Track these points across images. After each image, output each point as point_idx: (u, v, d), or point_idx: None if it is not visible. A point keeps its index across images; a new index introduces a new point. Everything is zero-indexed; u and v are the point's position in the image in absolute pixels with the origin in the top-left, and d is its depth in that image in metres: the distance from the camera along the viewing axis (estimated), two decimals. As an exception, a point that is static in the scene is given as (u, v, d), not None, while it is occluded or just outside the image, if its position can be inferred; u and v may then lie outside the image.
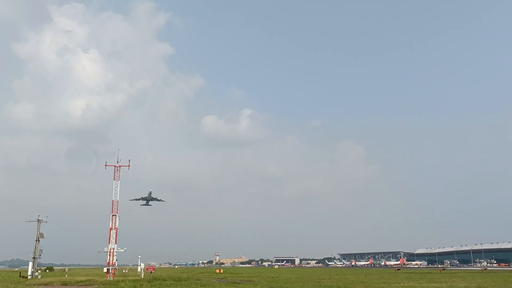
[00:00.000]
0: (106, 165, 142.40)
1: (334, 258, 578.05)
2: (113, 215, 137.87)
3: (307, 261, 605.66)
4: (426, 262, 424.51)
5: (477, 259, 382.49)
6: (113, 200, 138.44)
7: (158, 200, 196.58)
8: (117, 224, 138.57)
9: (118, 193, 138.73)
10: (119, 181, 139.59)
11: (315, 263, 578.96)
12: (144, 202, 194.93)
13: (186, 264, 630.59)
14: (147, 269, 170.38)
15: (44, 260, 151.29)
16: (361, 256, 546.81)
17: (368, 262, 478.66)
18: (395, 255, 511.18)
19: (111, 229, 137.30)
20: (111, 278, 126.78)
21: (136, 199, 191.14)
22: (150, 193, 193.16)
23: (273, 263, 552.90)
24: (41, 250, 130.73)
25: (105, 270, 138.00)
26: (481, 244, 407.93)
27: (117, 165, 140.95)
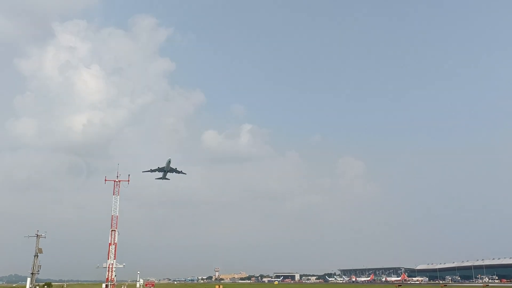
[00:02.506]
0: (105, 180, 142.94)
1: (335, 274, 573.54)
2: (112, 230, 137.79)
3: (307, 277, 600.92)
4: (427, 278, 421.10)
5: (479, 275, 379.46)
6: (112, 215, 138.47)
7: (179, 172, 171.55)
8: (116, 239, 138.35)
9: (118, 208, 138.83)
10: (118, 196, 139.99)
11: (315, 279, 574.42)
12: (161, 174, 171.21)
13: (185, 280, 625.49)
14: (146, 285, 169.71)
15: (43, 275, 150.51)
16: (362, 272, 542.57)
17: (368, 278, 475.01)
18: (396, 271, 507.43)
19: (110, 244, 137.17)
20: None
21: (151, 170, 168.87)
22: (169, 162, 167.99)
23: (273, 279, 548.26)
24: (39, 266, 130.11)
25: (103, 286, 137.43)
26: (483, 260, 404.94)
27: (117, 180, 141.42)
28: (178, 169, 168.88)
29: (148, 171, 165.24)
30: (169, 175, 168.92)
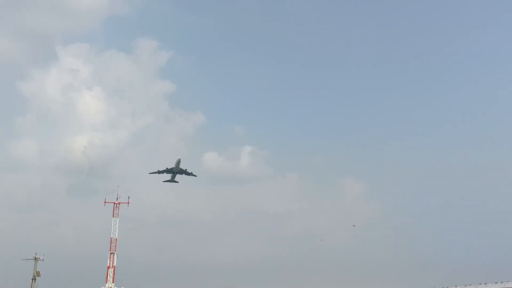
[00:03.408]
0: (105, 202, 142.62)
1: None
2: (111, 253, 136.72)
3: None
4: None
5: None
6: (111, 238, 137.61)
7: (189, 174, 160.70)
8: (115, 262, 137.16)
9: (117, 231, 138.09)
10: (118, 218, 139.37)
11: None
12: (169, 176, 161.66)
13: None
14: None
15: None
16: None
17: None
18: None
19: (108, 267, 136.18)
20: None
21: (159, 172, 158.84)
22: (179, 162, 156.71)
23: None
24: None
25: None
26: (485, 284, 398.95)
27: (117, 202, 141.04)
28: (189, 170, 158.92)
29: (156, 172, 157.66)
30: (178, 177, 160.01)
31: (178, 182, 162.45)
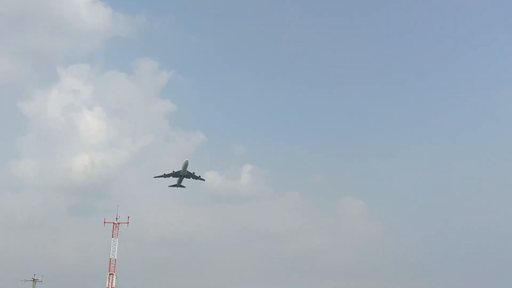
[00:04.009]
0: (104, 222, 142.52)
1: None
2: (110, 274, 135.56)
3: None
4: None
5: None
6: (110, 258, 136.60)
7: (196, 178, 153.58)
8: (114, 283, 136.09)
9: (116, 251, 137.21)
10: (117, 239, 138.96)
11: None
12: (176, 180, 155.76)
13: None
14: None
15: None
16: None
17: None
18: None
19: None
20: None
21: (165, 175, 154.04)
22: (186, 164, 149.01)
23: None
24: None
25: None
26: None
27: (116, 222, 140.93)
28: (196, 174, 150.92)
29: (161, 176, 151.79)
30: (185, 181, 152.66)
31: (185, 187, 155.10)
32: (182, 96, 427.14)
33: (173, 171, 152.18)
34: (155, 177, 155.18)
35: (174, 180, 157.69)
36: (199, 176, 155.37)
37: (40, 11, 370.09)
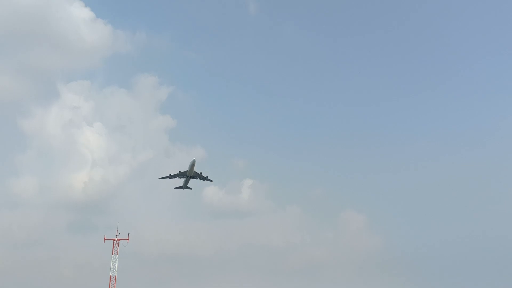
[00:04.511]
0: (104, 239, 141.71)
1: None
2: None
3: None
4: None
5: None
6: (110, 276, 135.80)
7: (204, 179, 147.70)
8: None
9: (116, 268, 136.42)
10: (117, 256, 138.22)
11: None
12: (183, 180, 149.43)
13: None
14: None
15: None
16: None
17: None
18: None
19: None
20: None
21: (171, 176, 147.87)
22: (193, 164, 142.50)
23: None
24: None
25: None
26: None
27: (116, 239, 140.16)
28: (204, 174, 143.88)
29: (167, 177, 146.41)
30: (191, 183, 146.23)
31: (191, 189, 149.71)
32: (181, 111, 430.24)
33: (179, 171, 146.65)
34: (160, 178, 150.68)
35: (180, 182, 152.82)
36: (207, 177, 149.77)
37: (40, 29, 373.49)
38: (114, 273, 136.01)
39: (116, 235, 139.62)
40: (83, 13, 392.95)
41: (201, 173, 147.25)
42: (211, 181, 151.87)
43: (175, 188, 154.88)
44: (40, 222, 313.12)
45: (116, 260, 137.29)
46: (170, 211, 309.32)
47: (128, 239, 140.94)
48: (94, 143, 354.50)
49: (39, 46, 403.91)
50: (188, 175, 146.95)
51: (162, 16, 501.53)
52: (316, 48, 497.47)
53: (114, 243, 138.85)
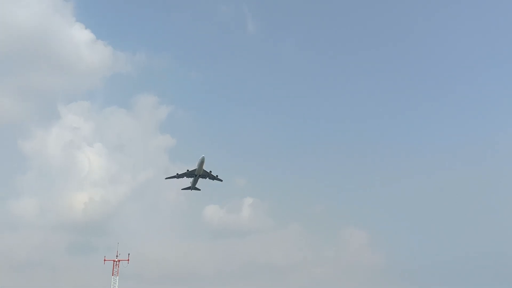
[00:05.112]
0: (104, 260, 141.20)
1: None
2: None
3: None
4: None
5: None
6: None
7: (213, 178, 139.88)
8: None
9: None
10: (117, 277, 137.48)
11: None
12: (191, 180, 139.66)
13: None
14: None
15: None
16: None
17: None
18: None
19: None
20: None
21: (178, 176, 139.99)
22: (202, 161, 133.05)
23: None
24: None
25: None
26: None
27: (116, 260, 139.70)
28: (213, 173, 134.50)
29: (174, 176, 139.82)
30: (200, 183, 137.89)
31: (200, 190, 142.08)
32: (181, 130, 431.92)
33: (187, 170, 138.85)
34: (166, 178, 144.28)
35: (188, 182, 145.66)
36: (217, 176, 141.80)
37: (41, 51, 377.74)
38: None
39: (116, 256, 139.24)
40: (84, 35, 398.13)
41: (210, 171, 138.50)
42: (221, 180, 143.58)
43: (182, 189, 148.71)
44: (40, 243, 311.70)
45: (116, 281, 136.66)
46: (171, 230, 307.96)
47: (128, 260, 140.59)
48: (94, 163, 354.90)
49: (40, 68, 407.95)
50: (197, 174, 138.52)
51: (162, 37, 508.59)
52: (314, 66, 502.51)
53: (114, 264, 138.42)
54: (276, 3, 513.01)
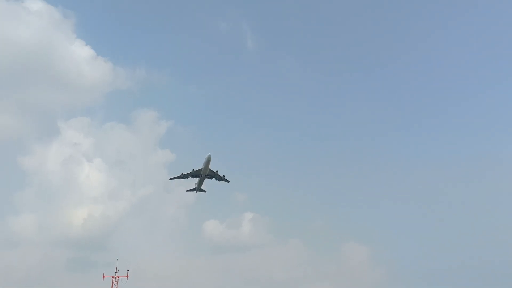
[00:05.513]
0: (103, 277, 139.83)
1: None
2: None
3: None
4: None
5: None
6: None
7: (220, 179, 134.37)
8: None
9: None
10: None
11: None
12: (196, 180, 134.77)
13: None
14: None
15: None
16: None
17: None
18: None
19: None
20: None
21: (183, 176, 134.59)
22: (209, 160, 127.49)
23: None
24: None
25: None
26: None
27: (115, 276, 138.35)
28: (220, 173, 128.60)
29: (179, 177, 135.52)
30: (206, 184, 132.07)
31: (205, 192, 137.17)
32: (181, 145, 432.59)
33: (193, 170, 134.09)
34: (170, 178, 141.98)
35: (193, 182, 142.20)
36: (223, 176, 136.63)
37: (42, 67, 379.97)
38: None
39: (115, 272, 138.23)
40: (84, 52, 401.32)
41: (217, 171, 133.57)
42: (228, 181, 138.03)
43: (187, 191, 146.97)
44: (39, 260, 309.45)
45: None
46: (170, 246, 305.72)
47: (127, 276, 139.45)
48: (94, 179, 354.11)
49: (40, 84, 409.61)
50: (203, 174, 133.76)
51: (162, 53, 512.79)
52: (314, 82, 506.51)
53: (113, 281, 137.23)
54: (275, 20, 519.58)
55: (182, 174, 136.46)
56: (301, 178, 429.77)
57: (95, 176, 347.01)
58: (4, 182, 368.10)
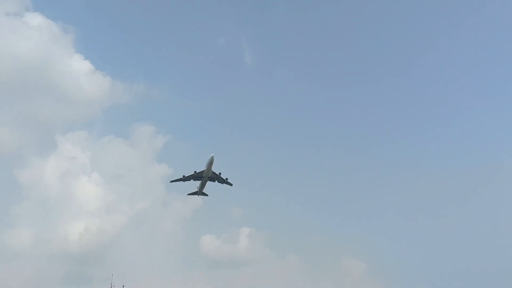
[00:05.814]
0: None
1: None
2: None
3: None
4: None
5: None
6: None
7: (223, 182, 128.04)
8: None
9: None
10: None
11: None
12: (199, 183, 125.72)
13: None
14: None
15: None
16: None
17: None
18: None
19: None
20: None
21: (184, 178, 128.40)
22: (211, 161, 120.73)
23: None
24: None
25: None
26: None
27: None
28: (222, 175, 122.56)
29: (180, 179, 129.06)
30: (208, 188, 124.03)
31: (207, 195, 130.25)
32: (178, 160, 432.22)
33: (195, 172, 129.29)
34: (171, 181, 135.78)
35: (195, 186, 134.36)
36: (226, 179, 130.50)
37: (41, 81, 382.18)
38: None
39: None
40: (83, 66, 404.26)
41: (220, 174, 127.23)
42: (231, 184, 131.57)
43: (188, 194, 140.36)
44: (34, 274, 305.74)
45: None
46: (167, 261, 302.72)
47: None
48: (90, 193, 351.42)
49: (39, 98, 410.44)
50: (205, 176, 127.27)
51: (160, 67, 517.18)
52: (312, 96, 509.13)
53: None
54: (272, 35, 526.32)
55: (183, 176, 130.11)
56: (298, 192, 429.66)
57: (92, 190, 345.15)
58: (1, 195, 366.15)
